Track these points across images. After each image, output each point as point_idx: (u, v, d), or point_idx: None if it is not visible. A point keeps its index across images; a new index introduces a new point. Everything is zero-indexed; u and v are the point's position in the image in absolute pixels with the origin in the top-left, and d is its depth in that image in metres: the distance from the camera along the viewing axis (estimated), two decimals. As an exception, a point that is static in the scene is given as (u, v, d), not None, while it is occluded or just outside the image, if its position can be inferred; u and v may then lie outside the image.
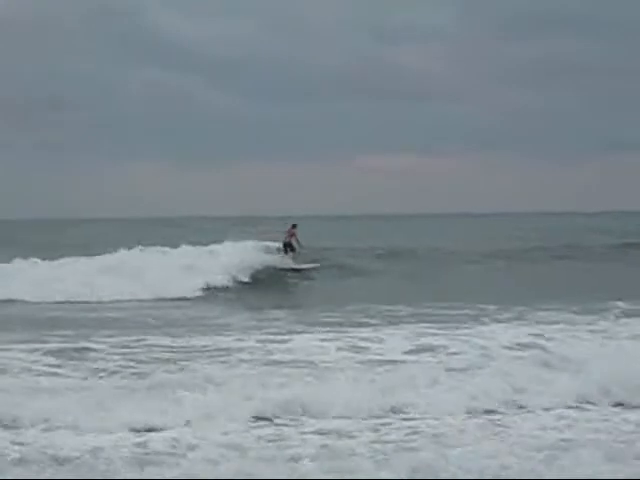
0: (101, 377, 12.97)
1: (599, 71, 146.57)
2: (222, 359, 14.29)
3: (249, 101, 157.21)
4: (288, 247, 32.38)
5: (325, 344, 15.71)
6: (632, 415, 11.24)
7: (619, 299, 21.41)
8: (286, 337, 16.67)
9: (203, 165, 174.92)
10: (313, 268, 32.37)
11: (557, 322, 18.40)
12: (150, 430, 10.36)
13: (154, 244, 31.68)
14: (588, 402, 11.85)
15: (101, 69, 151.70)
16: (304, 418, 11.05)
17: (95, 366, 13.77)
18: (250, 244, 32.44)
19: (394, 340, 16.06)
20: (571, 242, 42.22)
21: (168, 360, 14.21)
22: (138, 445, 9.77)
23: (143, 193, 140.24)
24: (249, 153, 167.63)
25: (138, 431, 10.32)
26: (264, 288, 28.94)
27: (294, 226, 32.79)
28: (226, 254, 31.07)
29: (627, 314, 19.47)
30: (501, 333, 16.70)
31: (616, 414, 11.36)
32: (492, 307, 21.17)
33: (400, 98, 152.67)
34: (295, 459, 9.29)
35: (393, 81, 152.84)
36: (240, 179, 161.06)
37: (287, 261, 32.01)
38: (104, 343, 15.89)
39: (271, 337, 16.73)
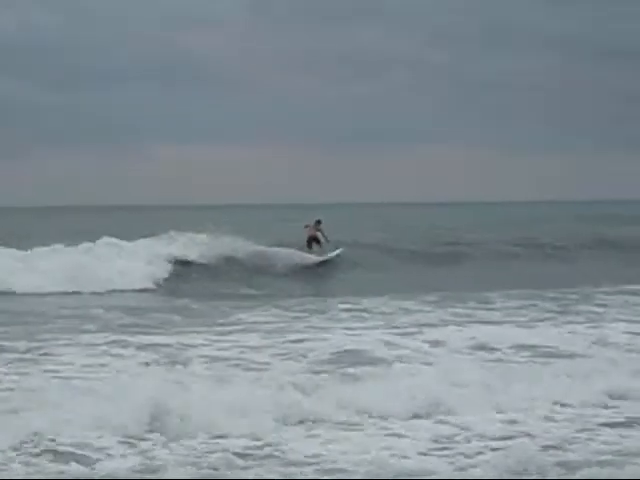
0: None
1: (399, 61, 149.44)
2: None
3: (35, 89, 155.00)
4: (313, 241, 31.29)
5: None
6: None
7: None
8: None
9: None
10: (337, 255, 31.36)
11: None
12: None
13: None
14: None
15: None
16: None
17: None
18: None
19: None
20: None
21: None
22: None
23: None
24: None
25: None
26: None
27: (319, 222, 31.65)
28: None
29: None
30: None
31: None
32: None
33: (192, 85, 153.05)
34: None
35: (185, 67, 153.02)
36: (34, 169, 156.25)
37: (312, 257, 30.93)
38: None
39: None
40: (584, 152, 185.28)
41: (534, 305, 20.29)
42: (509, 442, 9.34)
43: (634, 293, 22.48)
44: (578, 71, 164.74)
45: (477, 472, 8.46)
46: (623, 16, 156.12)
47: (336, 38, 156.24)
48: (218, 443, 9.36)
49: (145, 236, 30.17)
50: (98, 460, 8.72)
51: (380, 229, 45.04)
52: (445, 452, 9.15)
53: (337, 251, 31.47)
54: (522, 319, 18.04)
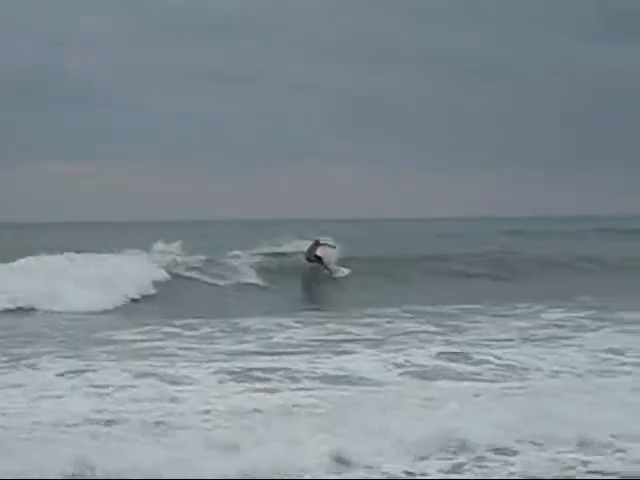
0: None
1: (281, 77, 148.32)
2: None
3: None
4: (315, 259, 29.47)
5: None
6: None
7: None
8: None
9: None
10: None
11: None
12: None
13: None
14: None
15: None
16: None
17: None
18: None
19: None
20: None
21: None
22: None
23: None
24: None
25: None
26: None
27: (317, 243, 29.77)
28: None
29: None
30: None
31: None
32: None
33: (67, 103, 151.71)
34: None
35: (61, 86, 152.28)
36: None
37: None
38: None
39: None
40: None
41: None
42: None
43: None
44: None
45: None
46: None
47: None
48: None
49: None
50: None
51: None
52: None
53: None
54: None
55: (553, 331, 17.10)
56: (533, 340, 15.84)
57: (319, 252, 29.44)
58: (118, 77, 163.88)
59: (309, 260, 29.48)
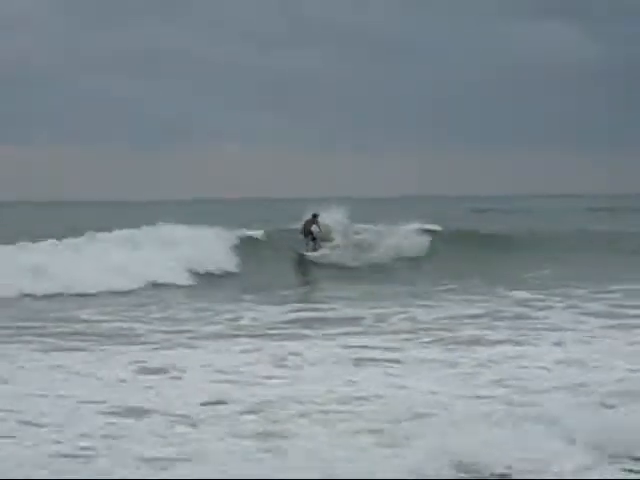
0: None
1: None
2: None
3: None
4: (309, 236, 29.48)
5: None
6: None
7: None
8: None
9: None
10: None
11: None
12: None
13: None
14: None
15: None
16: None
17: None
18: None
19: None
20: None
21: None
22: None
23: None
24: None
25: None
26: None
27: (315, 216, 29.80)
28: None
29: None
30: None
31: None
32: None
33: None
34: None
35: None
36: None
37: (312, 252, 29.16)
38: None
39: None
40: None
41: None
42: None
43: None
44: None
45: None
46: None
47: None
48: None
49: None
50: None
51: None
52: None
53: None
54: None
55: None
56: None
57: (313, 228, 29.57)
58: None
59: (304, 235, 29.59)
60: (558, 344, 14.11)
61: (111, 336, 15.18)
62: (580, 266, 26.57)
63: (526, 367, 12.25)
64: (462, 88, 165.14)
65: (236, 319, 17.17)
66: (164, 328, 16.05)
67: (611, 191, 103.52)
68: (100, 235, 26.47)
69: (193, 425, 9.25)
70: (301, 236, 29.65)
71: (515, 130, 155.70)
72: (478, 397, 10.42)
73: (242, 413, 9.66)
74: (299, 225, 30.06)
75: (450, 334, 15.10)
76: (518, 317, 17.21)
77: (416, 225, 31.76)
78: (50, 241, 25.28)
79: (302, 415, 9.54)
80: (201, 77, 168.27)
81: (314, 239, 29.45)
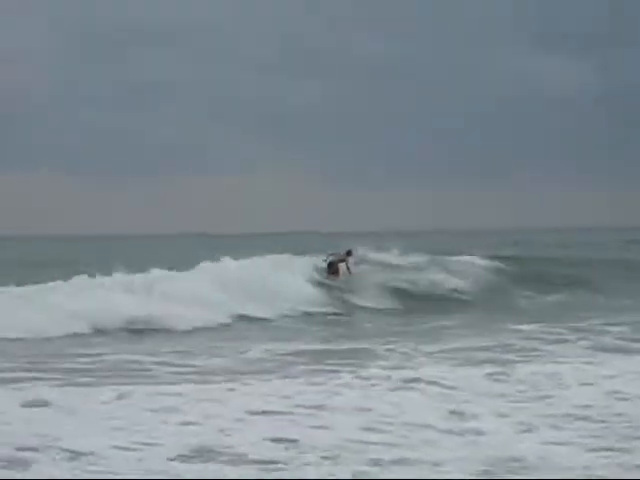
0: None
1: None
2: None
3: None
4: (332, 269, 27.79)
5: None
6: None
7: None
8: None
9: None
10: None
11: None
12: None
13: None
14: None
15: None
16: None
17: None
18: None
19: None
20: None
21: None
22: None
23: None
24: None
25: None
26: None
27: (349, 253, 28.19)
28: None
29: None
30: None
31: None
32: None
33: None
34: None
35: None
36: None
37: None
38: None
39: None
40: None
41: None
42: None
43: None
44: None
45: None
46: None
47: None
48: None
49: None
50: None
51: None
52: None
53: None
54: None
55: None
56: None
57: (341, 266, 27.90)
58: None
59: (329, 272, 27.86)
60: None
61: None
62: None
63: None
64: (462, 119, 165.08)
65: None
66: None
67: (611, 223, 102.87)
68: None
69: None
70: (324, 273, 27.58)
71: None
72: None
73: None
74: (325, 258, 28.15)
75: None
76: None
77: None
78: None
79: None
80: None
81: (336, 273, 27.80)
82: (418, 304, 25.75)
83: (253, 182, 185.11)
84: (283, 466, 8.52)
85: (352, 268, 27.52)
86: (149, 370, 14.43)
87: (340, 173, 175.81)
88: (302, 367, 14.50)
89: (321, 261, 27.74)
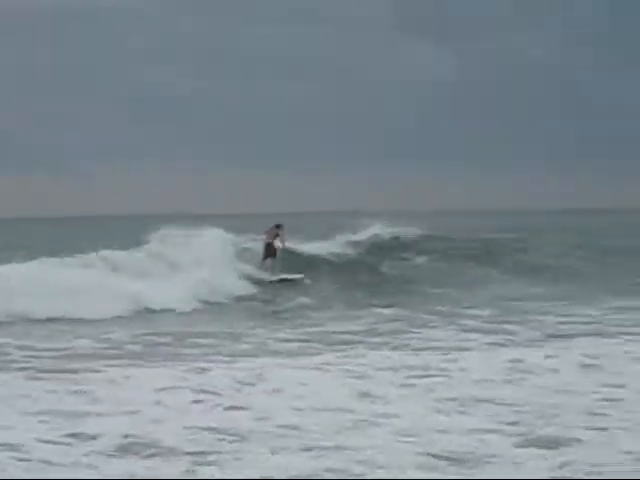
0: None
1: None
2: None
3: None
4: (267, 251, 26.26)
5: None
6: None
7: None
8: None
9: None
10: (297, 279, 26.19)
11: None
12: None
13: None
14: None
15: None
16: None
17: None
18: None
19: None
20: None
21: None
22: None
23: None
24: None
25: None
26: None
27: (278, 226, 26.70)
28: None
29: None
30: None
31: None
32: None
33: None
34: None
35: None
36: None
37: (264, 271, 25.94)
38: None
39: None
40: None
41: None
42: None
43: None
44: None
45: None
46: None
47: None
48: None
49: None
50: None
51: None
52: None
53: (297, 275, 26.32)
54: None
55: None
56: None
57: (275, 242, 26.51)
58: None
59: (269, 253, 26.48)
60: None
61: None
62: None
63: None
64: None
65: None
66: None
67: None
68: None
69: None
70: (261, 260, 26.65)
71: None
72: None
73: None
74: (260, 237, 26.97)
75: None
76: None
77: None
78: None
79: None
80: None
81: (273, 255, 26.25)
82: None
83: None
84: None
85: (285, 242, 26.10)
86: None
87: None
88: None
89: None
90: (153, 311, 21.13)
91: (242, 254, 27.17)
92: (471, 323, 18.28)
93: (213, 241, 26.97)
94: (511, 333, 16.82)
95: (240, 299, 23.69)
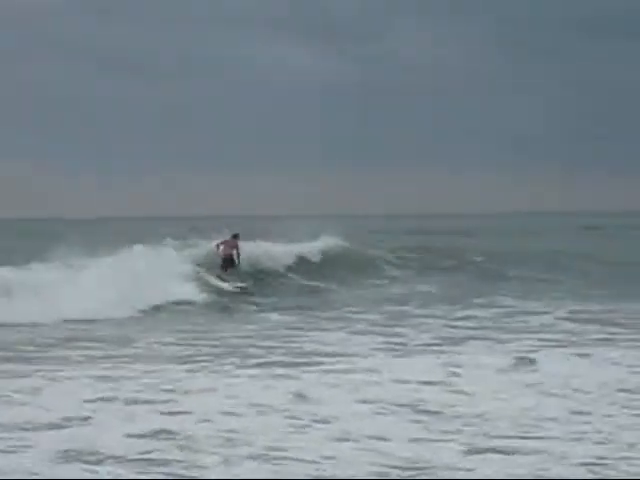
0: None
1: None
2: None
3: None
4: (227, 263, 26.53)
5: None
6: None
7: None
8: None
9: None
10: (244, 287, 26.44)
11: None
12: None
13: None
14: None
15: None
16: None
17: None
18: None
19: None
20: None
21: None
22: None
23: None
24: None
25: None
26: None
27: (235, 236, 26.94)
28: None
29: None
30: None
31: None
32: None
33: None
34: None
35: None
36: None
37: (224, 281, 26.19)
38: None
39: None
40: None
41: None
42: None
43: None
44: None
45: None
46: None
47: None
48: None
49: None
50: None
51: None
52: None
53: (241, 284, 26.63)
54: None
55: None
56: None
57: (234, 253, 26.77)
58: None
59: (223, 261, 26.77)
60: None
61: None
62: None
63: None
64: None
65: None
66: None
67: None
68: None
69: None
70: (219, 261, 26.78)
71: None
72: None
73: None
74: (213, 245, 27.08)
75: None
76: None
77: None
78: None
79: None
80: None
81: (233, 265, 26.51)
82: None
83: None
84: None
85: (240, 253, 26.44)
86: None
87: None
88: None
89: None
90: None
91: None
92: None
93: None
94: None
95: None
